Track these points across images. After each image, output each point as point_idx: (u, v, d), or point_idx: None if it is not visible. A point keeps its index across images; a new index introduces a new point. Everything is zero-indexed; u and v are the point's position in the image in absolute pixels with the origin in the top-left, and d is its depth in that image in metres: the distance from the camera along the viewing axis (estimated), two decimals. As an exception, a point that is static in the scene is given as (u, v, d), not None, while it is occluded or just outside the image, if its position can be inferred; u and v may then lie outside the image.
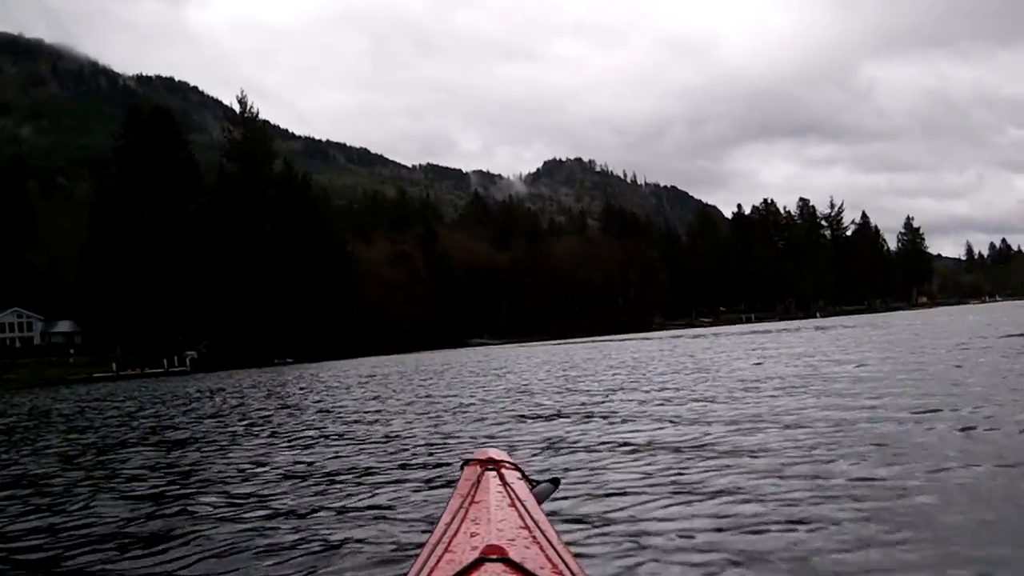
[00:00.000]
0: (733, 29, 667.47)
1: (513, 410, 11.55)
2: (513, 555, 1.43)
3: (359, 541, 4.42)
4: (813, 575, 3.42)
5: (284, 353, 79.88)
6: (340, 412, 14.11)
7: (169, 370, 72.31)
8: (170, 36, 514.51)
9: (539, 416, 10.38)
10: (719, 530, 4.11)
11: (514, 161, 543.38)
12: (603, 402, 11.59)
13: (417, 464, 7.13)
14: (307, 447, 9.21)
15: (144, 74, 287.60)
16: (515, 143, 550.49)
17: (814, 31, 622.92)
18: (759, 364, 17.36)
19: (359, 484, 6.28)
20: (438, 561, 1.52)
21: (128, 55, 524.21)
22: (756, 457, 5.95)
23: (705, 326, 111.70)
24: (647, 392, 12.66)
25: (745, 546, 3.81)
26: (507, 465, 2.36)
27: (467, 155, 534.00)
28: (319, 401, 17.88)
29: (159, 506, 6.06)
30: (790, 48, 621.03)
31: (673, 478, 5.43)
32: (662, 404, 10.45)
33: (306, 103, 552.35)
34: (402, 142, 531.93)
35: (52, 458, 10.56)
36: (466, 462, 2.46)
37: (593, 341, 64.53)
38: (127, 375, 67.17)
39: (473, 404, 13.27)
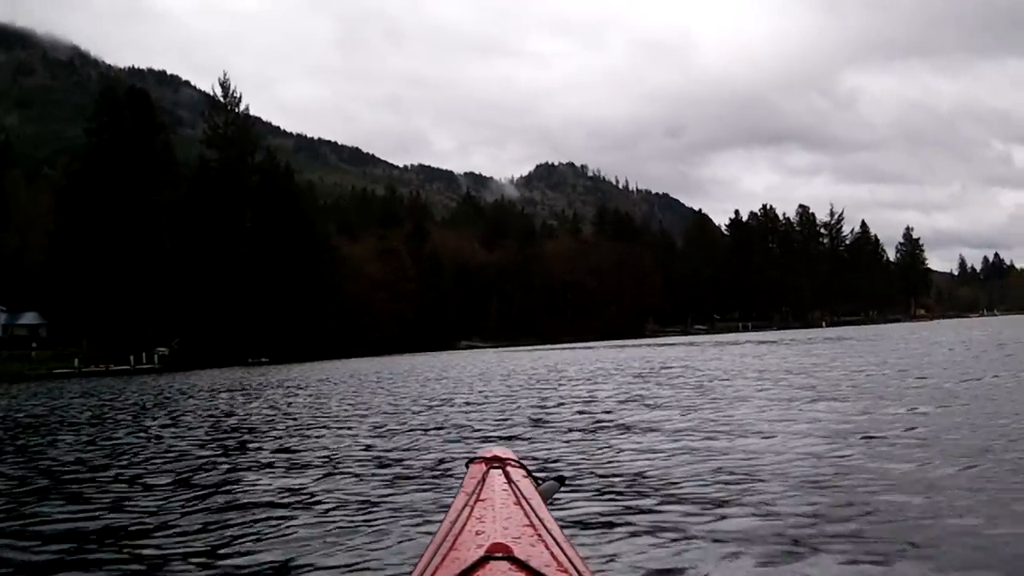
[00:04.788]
0: (709, 31, 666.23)
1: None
2: (518, 553, 1.43)
3: (363, 540, 4.28)
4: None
5: (260, 352, 75.70)
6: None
7: (136, 367, 68.07)
8: (157, 27, 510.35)
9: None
10: (719, 528, 4.14)
11: (489, 161, 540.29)
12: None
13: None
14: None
15: (136, 66, 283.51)
16: (491, 143, 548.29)
17: (793, 36, 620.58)
18: None
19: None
20: (443, 559, 1.52)
21: (120, 48, 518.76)
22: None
23: (702, 334, 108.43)
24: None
25: (754, 545, 3.81)
26: (512, 463, 2.37)
27: (442, 154, 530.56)
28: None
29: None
30: (769, 53, 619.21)
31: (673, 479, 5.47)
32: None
33: (283, 93, 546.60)
34: (389, 141, 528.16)
35: None
36: (471, 460, 2.49)
37: (602, 347, 60.85)
38: (90, 372, 62.81)
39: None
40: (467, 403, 13.33)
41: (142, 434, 11.33)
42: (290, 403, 15.99)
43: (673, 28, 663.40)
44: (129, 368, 66.74)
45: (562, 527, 1.88)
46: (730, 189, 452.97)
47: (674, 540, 3.97)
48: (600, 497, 5.06)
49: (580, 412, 10.52)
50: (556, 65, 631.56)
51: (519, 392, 15.35)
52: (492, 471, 2.23)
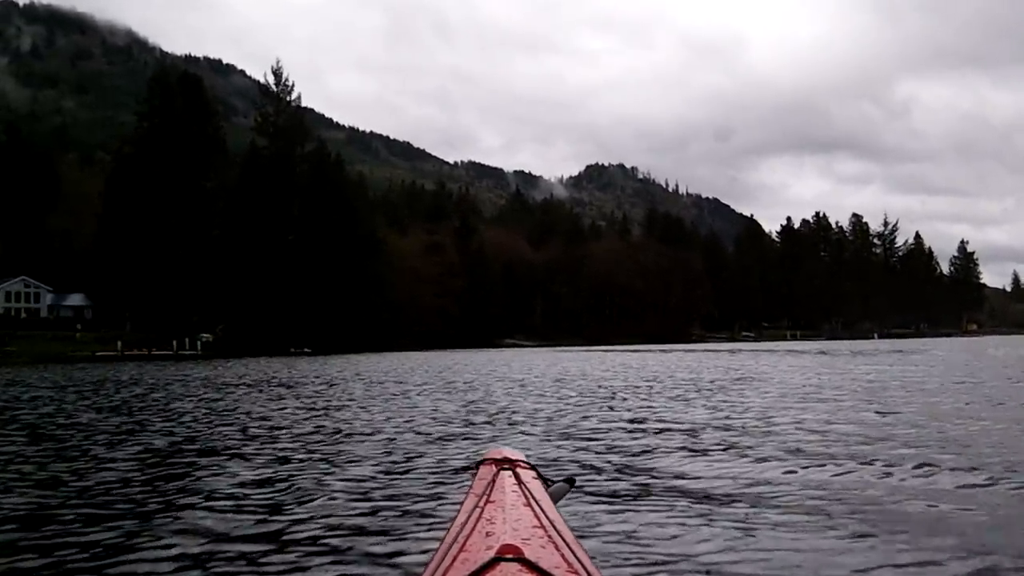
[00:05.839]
0: (758, 33, 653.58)
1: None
2: (528, 555, 1.44)
3: (373, 538, 4.20)
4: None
5: (302, 342, 75.12)
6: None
7: (179, 353, 67.72)
8: (211, 15, 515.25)
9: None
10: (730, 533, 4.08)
11: (536, 159, 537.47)
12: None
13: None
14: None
15: (191, 54, 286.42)
16: (538, 140, 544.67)
17: (845, 41, 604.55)
18: None
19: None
20: (453, 560, 1.52)
21: (176, 35, 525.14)
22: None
23: (750, 341, 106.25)
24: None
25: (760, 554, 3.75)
26: (522, 464, 2.40)
27: (489, 150, 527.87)
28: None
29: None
30: (820, 57, 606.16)
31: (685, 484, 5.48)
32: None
33: (331, 84, 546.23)
34: (438, 136, 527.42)
35: None
36: (481, 461, 2.51)
37: (656, 351, 59.09)
38: (132, 356, 62.51)
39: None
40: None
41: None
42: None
43: (721, 29, 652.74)
44: (172, 353, 66.43)
45: (572, 529, 1.85)
46: (778, 195, 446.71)
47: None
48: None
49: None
50: (603, 63, 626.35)
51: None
52: (502, 472, 2.22)
